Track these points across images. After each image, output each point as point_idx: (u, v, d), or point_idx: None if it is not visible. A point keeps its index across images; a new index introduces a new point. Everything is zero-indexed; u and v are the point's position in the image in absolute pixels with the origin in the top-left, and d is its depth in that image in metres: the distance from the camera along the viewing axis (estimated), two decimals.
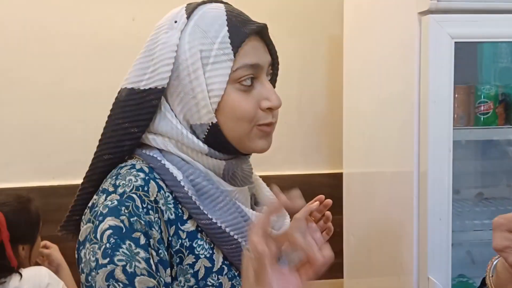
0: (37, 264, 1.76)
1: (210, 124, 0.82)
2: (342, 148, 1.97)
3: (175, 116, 0.84)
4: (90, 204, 0.81)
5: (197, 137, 0.84)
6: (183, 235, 0.80)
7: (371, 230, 1.73)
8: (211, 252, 0.82)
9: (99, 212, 0.77)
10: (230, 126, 0.83)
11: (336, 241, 1.75)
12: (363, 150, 1.80)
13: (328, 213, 1.07)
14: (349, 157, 1.93)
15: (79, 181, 2.30)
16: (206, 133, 0.83)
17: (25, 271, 1.62)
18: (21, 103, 2.16)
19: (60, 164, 2.17)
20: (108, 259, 0.73)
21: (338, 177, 2.00)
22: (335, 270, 1.61)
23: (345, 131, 1.94)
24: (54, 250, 1.84)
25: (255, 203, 0.95)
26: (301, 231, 1.02)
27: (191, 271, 0.79)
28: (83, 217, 0.81)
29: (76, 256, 0.80)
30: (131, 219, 0.75)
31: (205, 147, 0.84)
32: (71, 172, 2.17)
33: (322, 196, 1.07)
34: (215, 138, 0.84)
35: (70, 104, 2.17)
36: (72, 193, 2.25)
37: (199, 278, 0.80)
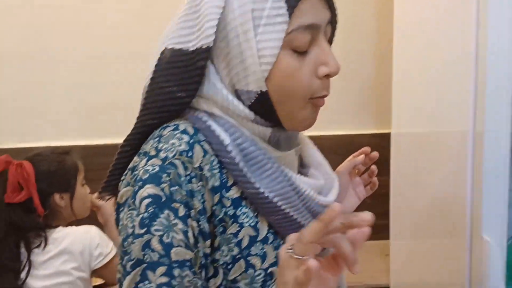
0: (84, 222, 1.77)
1: (259, 93, 0.76)
2: (391, 107, 1.89)
3: (221, 80, 0.78)
4: (131, 165, 0.77)
5: (243, 103, 0.78)
6: (227, 203, 0.76)
7: (419, 190, 1.68)
8: (255, 220, 0.77)
9: (139, 176, 0.73)
10: (281, 97, 0.77)
11: (382, 202, 1.72)
12: (413, 108, 1.73)
13: (373, 167, 1.03)
14: (398, 117, 1.86)
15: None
16: (252, 101, 0.78)
17: (75, 229, 1.64)
18: (68, 64, 2.18)
19: (106, 123, 2.19)
20: (145, 229, 0.70)
21: (386, 138, 1.93)
22: (380, 231, 1.57)
23: (395, 89, 1.86)
24: (107, 203, 1.86)
25: (301, 165, 0.90)
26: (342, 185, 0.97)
27: (235, 240, 0.75)
28: (123, 177, 0.78)
29: (115, 215, 0.78)
30: (172, 188, 0.71)
31: (251, 114, 0.78)
32: (116, 131, 2.18)
33: (367, 148, 1.02)
34: (262, 107, 0.78)
35: (117, 66, 2.17)
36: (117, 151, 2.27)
37: (242, 248, 0.75)
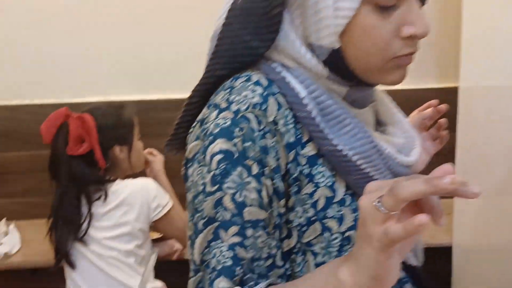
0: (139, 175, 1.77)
1: (332, 49, 0.70)
2: (458, 61, 1.76)
3: (294, 31, 0.71)
4: (200, 118, 0.73)
5: (317, 58, 0.71)
6: (303, 161, 0.70)
7: (492, 146, 1.57)
8: (332, 180, 0.71)
9: (209, 130, 0.68)
10: (356, 55, 0.70)
11: (448, 159, 1.61)
12: (485, 60, 1.60)
13: (442, 119, 0.96)
14: (468, 70, 1.73)
15: (178, 95, 2.30)
16: (325, 57, 0.71)
17: (133, 182, 1.64)
18: (122, 18, 2.14)
19: (159, 78, 2.16)
20: (216, 186, 0.66)
21: (452, 92, 1.81)
22: None
23: (465, 42, 1.72)
24: (157, 159, 1.85)
25: (377, 122, 0.82)
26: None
27: (310, 201, 0.70)
28: (191, 130, 0.74)
29: (183, 171, 0.74)
30: (245, 144, 0.67)
31: (324, 70, 0.72)
32: (169, 86, 2.16)
33: (435, 101, 0.96)
34: (336, 65, 0.71)
35: (170, 20, 2.11)
36: (171, 107, 2.25)
37: (318, 209, 0.70)
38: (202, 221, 0.67)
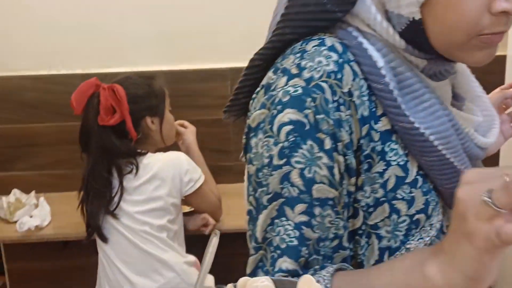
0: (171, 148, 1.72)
1: (411, 20, 0.63)
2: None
3: None
4: (265, 83, 0.67)
5: (393, 28, 0.65)
6: (376, 137, 0.65)
7: None
8: (405, 159, 0.66)
9: (277, 98, 0.63)
10: (438, 29, 0.63)
11: None
12: None
13: None
14: None
15: (208, 65, 2.23)
16: (403, 28, 0.64)
17: (165, 155, 1.60)
18: None
19: (189, 48, 2.10)
20: (284, 160, 0.62)
21: (500, 61, 1.71)
22: None
23: None
24: (189, 131, 1.81)
25: (453, 96, 0.75)
26: None
27: (380, 180, 0.65)
28: (254, 95, 0.68)
29: (243, 140, 0.69)
30: (318, 116, 0.62)
31: (401, 42, 0.65)
32: (200, 56, 2.09)
33: None
34: (414, 37, 0.65)
35: None
36: (201, 78, 2.19)
37: (388, 189, 0.65)
38: (267, 197, 0.63)
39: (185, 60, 2.10)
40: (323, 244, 0.63)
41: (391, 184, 0.65)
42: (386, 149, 0.65)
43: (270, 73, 0.68)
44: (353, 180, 0.64)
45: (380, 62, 0.64)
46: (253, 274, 0.65)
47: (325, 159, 0.62)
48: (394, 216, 0.66)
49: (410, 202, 0.66)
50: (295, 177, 0.61)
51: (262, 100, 0.65)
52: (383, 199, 0.65)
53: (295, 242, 0.62)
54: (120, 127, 1.54)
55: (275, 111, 0.63)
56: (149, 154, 1.59)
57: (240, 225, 1.83)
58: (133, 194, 1.54)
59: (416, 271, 0.53)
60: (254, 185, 0.65)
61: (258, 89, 0.68)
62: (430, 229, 0.67)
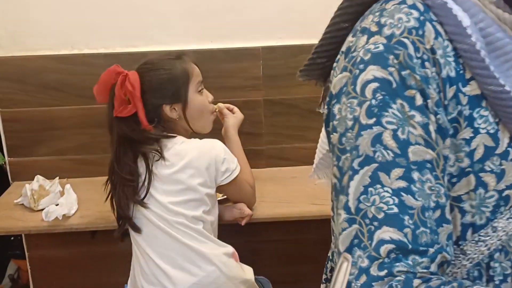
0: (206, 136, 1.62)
1: None
2: None
3: None
4: (344, 48, 0.65)
5: None
6: (464, 100, 0.60)
7: None
8: (495, 128, 0.61)
9: (359, 58, 0.61)
10: None
11: None
12: None
13: None
14: None
15: (239, 44, 2.12)
16: None
17: (200, 143, 1.49)
18: None
19: (219, 26, 1.98)
20: (374, 119, 0.58)
21: None
22: None
23: None
24: (233, 115, 1.70)
25: None
26: None
27: (466, 148, 0.60)
28: (335, 64, 0.65)
29: (325, 111, 0.65)
30: (403, 73, 0.58)
31: None
32: (230, 34, 1.98)
33: None
34: None
35: None
36: (231, 58, 2.08)
37: (474, 160, 0.60)
38: (357, 161, 0.58)
39: (215, 39, 1.99)
40: (428, 215, 0.56)
41: (478, 154, 0.60)
42: (475, 115, 0.60)
43: (349, 37, 0.66)
44: (447, 141, 0.59)
45: (466, 21, 0.60)
46: (348, 252, 0.58)
47: (418, 117, 0.58)
48: (481, 190, 0.61)
49: (500, 176, 0.60)
50: (388, 139, 0.57)
51: (343, 64, 0.63)
52: (469, 169, 0.60)
53: (395, 210, 0.56)
54: (137, 117, 1.45)
55: (357, 71, 0.60)
56: (182, 140, 1.49)
57: (272, 213, 1.76)
58: (166, 183, 1.45)
59: None
60: (337, 153, 0.62)
61: (338, 56, 0.66)
62: None
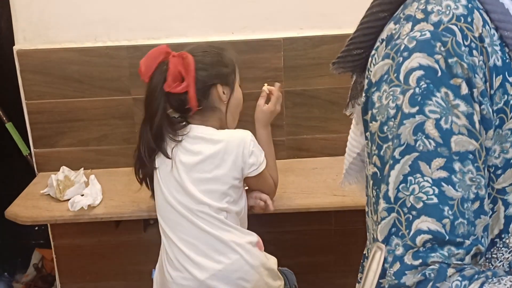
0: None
1: None
2: None
3: None
4: (385, 36, 0.64)
5: None
6: (510, 90, 0.59)
7: None
8: None
9: (403, 45, 0.60)
10: None
11: None
12: None
13: None
14: None
15: (260, 35, 2.10)
16: None
17: (230, 133, 1.52)
18: None
19: (240, 17, 1.98)
20: (417, 108, 0.57)
21: None
22: None
23: None
24: (260, 111, 1.68)
25: None
26: None
27: None
28: (374, 52, 0.65)
29: (363, 99, 0.65)
30: (449, 60, 0.57)
31: None
32: (251, 25, 1.98)
33: None
34: None
35: None
36: (252, 49, 2.08)
37: None
38: (398, 150, 0.58)
39: (235, 30, 1.99)
40: (466, 206, 0.56)
41: None
42: None
43: (390, 25, 0.64)
44: (490, 133, 0.58)
45: None
46: (386, 241, 0.58)
47: (462, 107, 0.57)
48: None
49: None
50: (430, 128, 0.56)
51: (384, 51, 0.62)
52: None
53: (435, 200, 0.55)
54: (184, 97, 1.46)
55: (401, 59, 0.59)
56: (212, 130, 1.50)
57: (293, 204, 1.77)
58: (192, 171, 1.46)
59: None
60: (378, 142, 0.61)
61: (377, 44, 0.65)
62: None
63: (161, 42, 1.97)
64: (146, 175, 1.55)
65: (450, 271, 0.55)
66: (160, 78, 1.45)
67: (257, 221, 1.68)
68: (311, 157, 2.08)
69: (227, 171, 1.46)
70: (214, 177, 1.46)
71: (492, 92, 0.59)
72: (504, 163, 0.60)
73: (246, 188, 1.69)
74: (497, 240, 0.62)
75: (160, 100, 1.46)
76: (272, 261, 1.59)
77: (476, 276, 0.55)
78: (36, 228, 2.57)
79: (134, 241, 1.97)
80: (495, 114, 0.59)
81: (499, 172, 0.60)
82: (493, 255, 0.61)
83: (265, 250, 1.60)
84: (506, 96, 0.59)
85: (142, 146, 1.50)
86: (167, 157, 1.48)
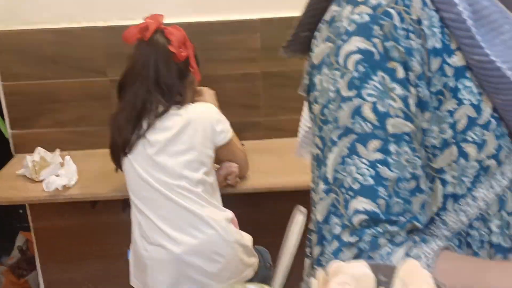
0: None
1: None
2: None
3: None
4: (328, 18, 0.64)
5: None
6: (449, 72, 0.60)
7: None
8: (478, 98, 0.60)
9: (343, 28, 0.60)
10: None
11: None
12: None
13: None
14: None
15: (237, 16, 2.11)
16: None
17: (194, 105, 1.56)
18: None
19: None
20: (354, 91, 0.58)
21: None
22: None
23: None
24: (208, 94, 1.73)
25: None
26: None
27: (450, 120, 0.60)
28: (316, 33, 0.65)
29: (306, 81, 0.65)
30: (386, 44, 0.58)
31: None
32: (227, 6, 1.98)
33: None
34: None
35: None
36: (229, 30, 2.08)
37: (457, 130, 0.61)
38: (336, 132, 0.59)
39: (212, 11, 1.99)
40: (402, 186, 0.58)
41: (461, 125, 0.60)
42: (459, 86, 0.60)
43: (332, 6, 0.64)
44: (427, 114, 0.59)
45: None
46: (325, 221, 0.60)
47: (398, 90, 0.58)
48: (462, 161, 0.61)
49: (481, 146, 0.61)
50: (367, 111, 0.57)
51: (326, 34, 0.62)
52: (452, 141, 0.60)
53: (371, 182, 0.57)
54: (184, 66, 1.53)
55: (340, 42, 0.60)
56: (175, 106, 1.53)
57: (269, 183, 1.79)
58: (168, 146, 1.49)
59: None
60: (320, 124, 0.62)
61: (320, 25, 0.65)
62: (502, 178, 0.62)
63: (136, 23, 1.96)
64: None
65: (382, 241, 0.57)
66: (163, 40, 1.51)
67: (233, 201, 1.70)
68: (288, 137, 2.09)
69: (201, 140, 1.50)
70: (191, 147, 1.49)
71: (431, 74, 0.59)
72: (442, 143, 0.61)
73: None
74: (436, 217, 0.63)
75: (156, 65, 1.49)
76: (247, 238, 1.61)
77: (405, 241, 0.57)
78: (21, 211, 2.57)
79: (113, 222, 1.99)
80: (433, 96, 0.60)
81: (437, 152, 0.61)
82: (432, 232, 0.63)
83: (241, 230, 1.62)
84: (444, 78, 0.60)
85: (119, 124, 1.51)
86: (141, 136, 1.49)
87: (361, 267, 0.45)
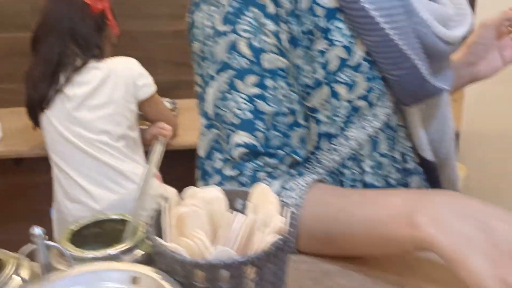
0: None
1: None
2: None
3: None
4: None
5: None
6: (319, 12, 0.60)
7: None
8: (350, 41, 0.61)
9: None
10: None
11: None
12: None
13: None
14: None
15: None
16: None
17: (114, 59, 1.53)
18: None
19: None
20: (230, 26, 0.58)
21: None
22: None
23: None
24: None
25: None
26: (485, 42, 0.80)
27: (321, 60, 0.61)
28: None
29: (188, 19, 0.65)
30: None
31: None
32: None
33: None
34: None
35: None
36: None
37: (329, 71, 0.61)
38: (214, 67, 0.60)
39: None
40: (280, 120, 0.59)
41: (333, 66, 0.61)
42: (331, 27, 0.60)
43: None
44: (299, 51, 0.60)
45: None
46: (207, 157, 0.61)
47: (271, 26, 0.58)
48: (334, 100, 0.62)
49: (351, 87, 0.62)
50: (243, 46, 0.58)
51: None
52: (324, 80, 0.62)
53: (249, 116, 0.58)
54: (100, 18, 1.49)
55: None
56: (93, 59, 1.50)
57: (192, 140, 1.78)
58: (87, 100, 1.46)
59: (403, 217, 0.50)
60: (199, 61, 0.62)
61: None
62: (374, 119, 0.64)
63: None
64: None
65: (261, 174, 0.58)
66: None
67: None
68: None
69: (123, 94, 1.48)
70: (110, 100, 1.47)
71: (300, 13, 0.60)
72: (315, 82, 0.62)
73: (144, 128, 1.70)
74: (311, 156, 0.65)
75: (71, 17, 1.44)
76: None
77: (282, 175, 0.59)
78: None
79: (36, 181, 1.94)
80: (304, 35, 0.60)
81: (310, 91, 0.62)
82: (308, 170, 0.64)
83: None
84: (314, 18, 0.60)
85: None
86: (59, 91, 1.45)
87: (213, 191, 0.46)
